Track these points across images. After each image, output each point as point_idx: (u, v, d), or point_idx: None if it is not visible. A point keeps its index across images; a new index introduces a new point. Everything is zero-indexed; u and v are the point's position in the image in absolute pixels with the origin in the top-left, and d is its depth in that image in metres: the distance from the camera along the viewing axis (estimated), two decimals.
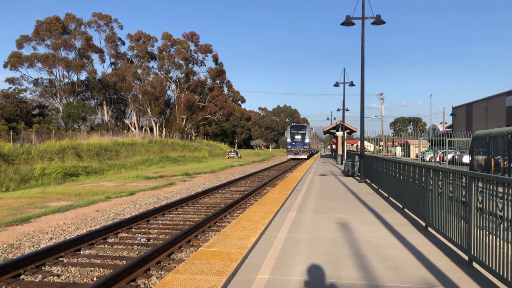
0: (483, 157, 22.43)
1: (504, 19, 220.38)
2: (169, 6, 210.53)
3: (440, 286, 4.67)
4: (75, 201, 15.73)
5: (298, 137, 52.55)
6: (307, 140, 52.44)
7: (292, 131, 53.92)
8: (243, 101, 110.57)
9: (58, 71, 67.48)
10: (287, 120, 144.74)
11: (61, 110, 63.98)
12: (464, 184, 5.73)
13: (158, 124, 77.08)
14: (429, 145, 50.78)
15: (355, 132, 43.67)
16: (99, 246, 8.75)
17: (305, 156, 51.97)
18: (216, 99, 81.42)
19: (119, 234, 9.78)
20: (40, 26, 64.75)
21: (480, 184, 5.16)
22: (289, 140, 53.44)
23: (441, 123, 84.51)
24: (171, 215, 12.49)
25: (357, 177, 19.31)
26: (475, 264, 5.31)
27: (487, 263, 4.79)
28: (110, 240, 9.24)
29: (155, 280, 6.55)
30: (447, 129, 71.22)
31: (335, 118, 69.88)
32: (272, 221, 8.30)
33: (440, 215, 6.73)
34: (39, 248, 8.31)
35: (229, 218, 11.95)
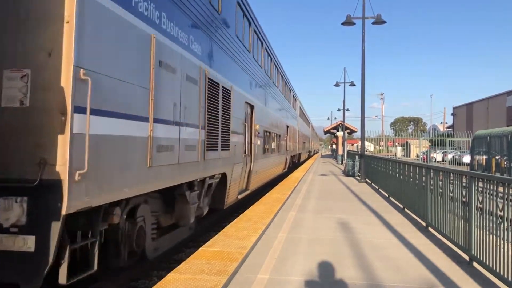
0: (484, 157, 22.45)
1: (505, 18, 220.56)
2: None
3: (440, 286, 4.67)
4: None
5: None
6: None
7: None
8: None
9: None
10: None
11: None
12: (464, 184, 5.73)
13: None
14: (430, 145, 50.74)
15: (356, 132, 43.59)
16: None
17: None
18: None
19: None
20: None
21: (481, 184, 5.17)
22: None
23: (441, 123, 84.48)
24: None
25: (358, 177, 19.30)
26: (475, 264, 5.31)
27: (487, 263, 4.79)
28: None
29: (155, 280, 6.55)
30: (447, 129, 71.22)
31: (335, 118, 69.52)
32: (273, 221, 8.30)
33: (441, 215, 6.73)
34: None
35: (229, 218, 11.94)
